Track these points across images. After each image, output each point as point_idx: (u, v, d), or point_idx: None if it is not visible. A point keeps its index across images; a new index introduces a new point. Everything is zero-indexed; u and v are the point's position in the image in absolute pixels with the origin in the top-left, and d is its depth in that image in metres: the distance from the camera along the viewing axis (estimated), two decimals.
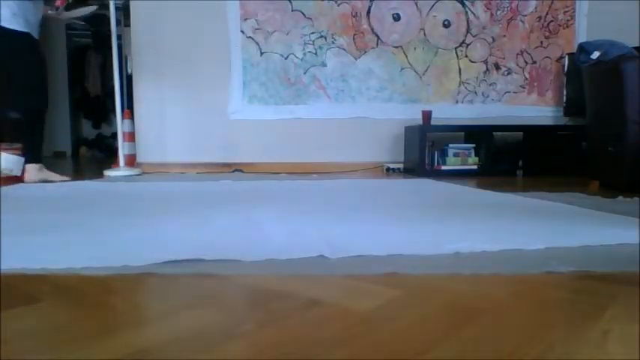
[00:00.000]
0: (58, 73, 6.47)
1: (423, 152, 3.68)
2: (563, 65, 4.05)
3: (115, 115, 4.07)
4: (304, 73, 3.92)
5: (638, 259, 1.10)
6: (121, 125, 3.66)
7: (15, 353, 0.61)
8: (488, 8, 4.06)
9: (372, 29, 3.97)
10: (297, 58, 3.90)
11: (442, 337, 0.67)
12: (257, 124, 3.79)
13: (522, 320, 0.74)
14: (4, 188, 2.46)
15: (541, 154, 3.76)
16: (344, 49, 3.95)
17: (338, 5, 3.91)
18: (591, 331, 0.69)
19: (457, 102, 4.10)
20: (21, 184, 2.75)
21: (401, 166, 3.99)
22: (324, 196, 2.28)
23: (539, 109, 4.19)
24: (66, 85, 6.55)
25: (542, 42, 4.14)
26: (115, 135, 4.38)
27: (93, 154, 6.72)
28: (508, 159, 3.80)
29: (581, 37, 4.07)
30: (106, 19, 3.87)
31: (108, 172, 3.49)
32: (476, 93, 4.12)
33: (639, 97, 2.49)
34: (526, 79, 4.16)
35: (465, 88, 4.11)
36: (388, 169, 3.97)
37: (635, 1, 4.05)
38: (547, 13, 4.12)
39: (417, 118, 3.83)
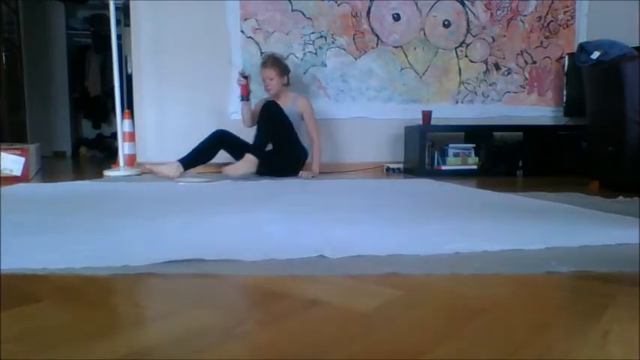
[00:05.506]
0: (58, 73, 6.47)
1: (423, 152, 3.67)
2: (563, 65, 4.06)
3: (115, 115, 4.07)
4: (304, 73, 3.92)
5: (638, 259, 1.10)
6: (121, 125, 3.65)
7: (15, 353, 0.61)
8: (488, 8, 4.06)
9: (372, 29, 3.97)
10: (297, 58, 3.89)
11: (442, 337, 0.67)
12: None
13: (522, 320, 0.74)
14: (4, 188, 2.46)
15: (541, 154, 3.76)
16: (344, 49, 3.94)
17: (338, 5, 3.91)
18: (591, 331, 0.69)
19: (457, 102, 4.10)
20: (21, 184, 2.74)
21: (401, 166, 3.99)
22: (324, 196, 2.28)
23: (539, 109, 4.19)
24: (66, 85, 6.55)
25: (542, 42, 4.14)
26: (115, 135, 4.38)
27: (93, 154, 6.71)
28: (508, 159, 3.80)
29: (581, 37, 4.07)
30: (106, 19, 3.87)
31: (108, 172, 3.48)
32: (476, 93, 4.12)
33: (639, 97, 2.49)
34: (526, 79, 4.16)
35: (465, 88, 4.10)
36: (388, 169, 3.97)
37: (635, 1, 4.05)
38: (547, 13, 4.12)
39: (417, 118, 3.83)
